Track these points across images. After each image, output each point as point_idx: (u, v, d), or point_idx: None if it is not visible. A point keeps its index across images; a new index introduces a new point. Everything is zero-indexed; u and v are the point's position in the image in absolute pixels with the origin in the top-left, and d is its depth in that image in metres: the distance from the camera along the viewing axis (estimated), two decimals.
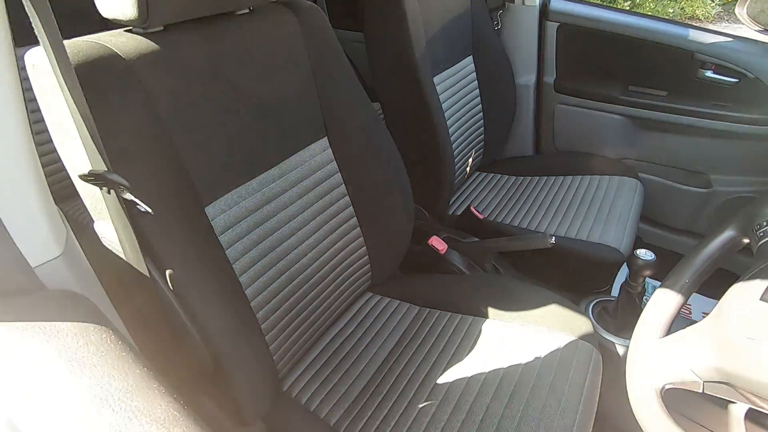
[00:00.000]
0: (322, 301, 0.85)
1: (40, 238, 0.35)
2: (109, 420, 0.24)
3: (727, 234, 0.54)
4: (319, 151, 0.82)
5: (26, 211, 0.34)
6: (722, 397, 0.43)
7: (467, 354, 0.81)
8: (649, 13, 4.84)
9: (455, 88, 1.24)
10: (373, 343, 0.86)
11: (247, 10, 0.71)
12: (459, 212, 1.23)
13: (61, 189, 1.11)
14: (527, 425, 0.67)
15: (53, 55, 0.41)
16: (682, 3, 5.12)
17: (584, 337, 0.78)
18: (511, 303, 0.87)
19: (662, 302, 0.53)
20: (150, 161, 0.56)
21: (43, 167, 1.09)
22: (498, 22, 1.37)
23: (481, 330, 0.85)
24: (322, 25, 0.80)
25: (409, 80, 1.07)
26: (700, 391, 0.43)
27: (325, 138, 0.83)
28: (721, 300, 0.45)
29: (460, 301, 0.90)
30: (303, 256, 0.80)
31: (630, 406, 0.47)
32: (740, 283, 0.44)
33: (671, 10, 5.07)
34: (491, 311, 0.87)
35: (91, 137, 0.44)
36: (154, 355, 0.66)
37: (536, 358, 0.77)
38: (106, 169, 0.46)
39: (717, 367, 0.41)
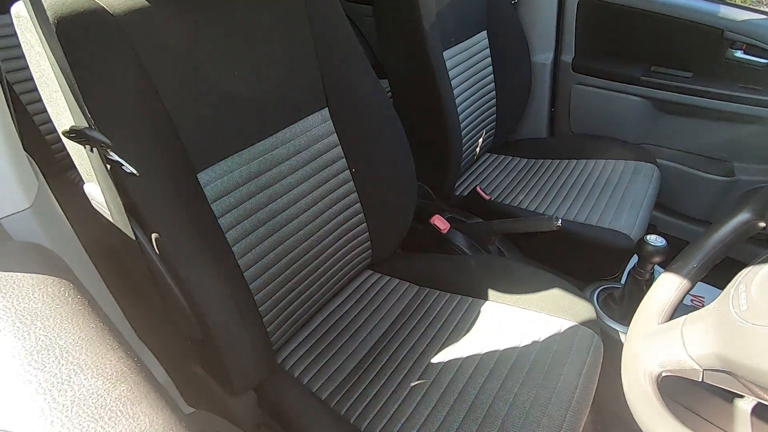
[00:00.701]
0: (320, 276, 0.84)
1: (7, 190, 0.34)
2: (53, 371, 0.23)
3: (742, 216, 0.50)
4: (320, 122, 0.80)
5: None
6: (722, 386, 0.40)
7: (464, 335, 0.79)
8: None
9: (467, 64, 1.19)
10: (369, 321, 0.85)
11: None
12: (466, 193, 1.20)
13: (63, 158, 1.12)
14: (520, 408, 0.65)
15: (31, 8, 0.39)
16: None
17: (586, 323, 0.76)
18: (512, 285, 0.84)
19: (666, 287, 0.50)
20: (138, 122, 0.54)
21: (46, 134, 1.09)
22: None
23: (479, 311, 0.83)
24: None
25: (417, 53, 1.03)
26: (699, 379, 0.41)
27: (326, 109, 0.80)
28: (728, 285, 0.42)
29: (460, 281, 0.88)
30: (300, 229, 0.78)
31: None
32: (750, 267, 0.41)
33: None
34: (491, 293, 0.85)
35: (72, 93, 0.42)
36: (144, 323, 0.66)
37: (534, 341, 0.74)
38: (87, 126, 0.44)
39: (718, 354, 0.38)
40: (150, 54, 0.56)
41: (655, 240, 0.79)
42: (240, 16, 0.66)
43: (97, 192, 0.53)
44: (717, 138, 1.22)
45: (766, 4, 4.70)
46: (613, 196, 1.10)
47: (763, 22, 1.09)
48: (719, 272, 0.54)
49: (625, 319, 0.87)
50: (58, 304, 0.27)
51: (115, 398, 0.23)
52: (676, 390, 0.70)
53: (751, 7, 1.12)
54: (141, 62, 0.55)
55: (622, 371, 0.46)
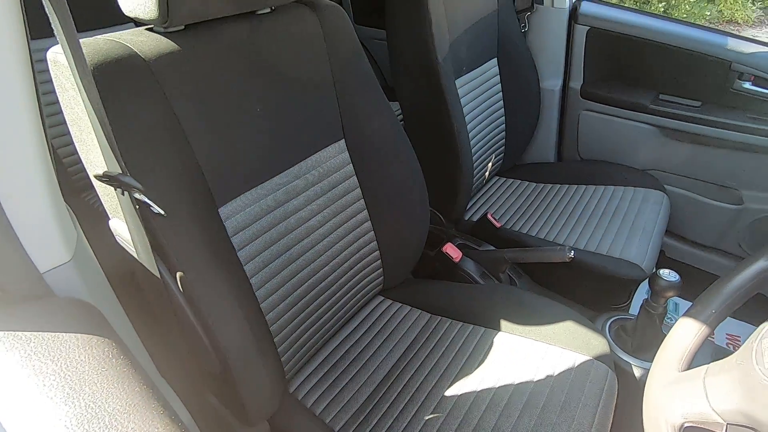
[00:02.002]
0: (333, 304, 0.85)
1: (49, 243, 0.35)
2: None
3: (762, 264, 0.50)
4: (336, 154, 0.81)
5: (36, 214, 0.34)
6: None
7: (477, 366, 0.79)
8: (685, 15, 4.68)
9: (478, 91, 1.21)
10: (382, 349, 0.85)
11: (269, 10, 0.70)
12: (476, 218, 1.21)
13: (80, 180, 1.13)
14: None
15: (70, 54, 0.40)
16: (720, 5, 4.92)
17: (600, 358, 0.76)
18: (525, 317, 0.84)
19: (686, 332, 0.50)
20: (165, 161, 0.56)
21: (64, 157, 1.11)
22: (525, 25, 1.33)
23: (492, 342, 0.83)
24: (343, 25, 0.78)
25: (430, 83, 1.04)
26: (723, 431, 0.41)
27: (343, 140, 0.82)
28: (750, 336, 0.43)
29: (472, 310, 0.88)
30: (315, 259, 0.79)
31: None
32: None
33: (708, 13, 4.88)
34: (504, 324, 0.85)
35: (107, 139, 0.44)
36: (161, 355, 0.66)
37: (548, 376, 0.74)
38: (120, 172, 0.45)
39: (743, 410, 0.38)
40: (179, 96, 0.57)
41: (668, 275, 0.80)
42: (264, 55, 0.68)
43: (122, 229, 0.54)
44: (725, 166, 1.23)
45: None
46: (623, 224, 1.11)
47: None
48: (751, 309, 0.54)
49: (638, 351, 0.87)
50: (104, 367, 0.28)
51: None
52: None
53: (758, 39, 1.14)
54: (170, 104, 0.56)
55: (644, 420, 0.46)
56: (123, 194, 0.48)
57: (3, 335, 0.28)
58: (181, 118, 0.58)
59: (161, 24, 0.55)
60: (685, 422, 0.43)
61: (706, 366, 0.45)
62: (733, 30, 4.79)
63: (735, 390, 0.39)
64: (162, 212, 0.50)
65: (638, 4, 4.53)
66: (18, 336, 0.28)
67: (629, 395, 0.83)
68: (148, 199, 0.49)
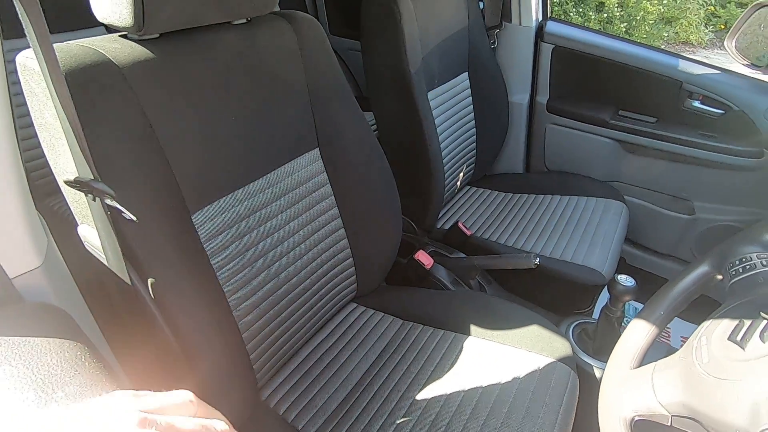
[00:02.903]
0: (306, 311, 0.85)
1: (20, 248, 0.35)
2: None
3: (702, 269, 0.55)
4: (310, 162, 0.82)
5: (7, 219, 0.34)
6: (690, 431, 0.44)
7: (447, 370, 0.81)
8: (645, 36, 4.94)
9: (449, 103, 1.25)
10: (354, 355, 0.86)
11: (245, 21, 0.71)
12: (447, 226, 1.24)
13: (45, 184, 1.10)
14: None
15: (43, 59, 0.41)
16: (677, 28, 5.23)
17: (563, 360, 0.79)
18: (493, 321, 0.87)
19: (637, 333, 0.54)
20: (137, 167, 0.56)
21: (27, 162, 1.08)
22: (494, 41, 1.39)
23: (462, 347, 0.85)
24: (319, 37, 0.80)
25: (403, 95, 1.07)
26: (668, 424, 0.44)
27: (317, 149, 0.83)
28: (691, 335, 0.46)
29: (442, 316, 0.91)
30: (288, 266, 0.80)
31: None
32: (710, 320, 0.45)
33: (666, 34, 5.18)
34: (473, 329, 0.88)
35: (79, 145, 0.44)
36: (129, 361, 0.65)
37: (514, 378, 0.77)
38: (92, 177, 0.45)
39: (685, 403, 0.42)
40: (152, 103, 0.58)
41: (625, 280, 0.85)
42: (239, 65, 0.69)
43: (92, 235, 0.54)
44: (679, 179, 1.31)
45: (720, 47, 5.06)
46: (585, 232, 1.17)
47: (717, 76, 1.19)
48: (689, 305, 0.59)
49: (599, 353, 0.92)
50: (77, 371, 0.28)
51: None
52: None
53: (706, 62, 1.23)
54: (144, 111, 0.56)
55: (599, 415, 0.49)
56: (94, 200, 0.48)
57: None
58: (154, 125, 0.58)
59: (136, 32, 0.55)
60: (636, 416, 0.46)
61: (654, 363, 0.48)
62: (687, 51, 5.09)
63: (678, 384, 0.43)
64: (134, 218, 0.51)
65: (602, 24, 4.76)
66: None
67: (591, 395, 0.87)
68: (120, 205, 0.49)
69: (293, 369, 0.84)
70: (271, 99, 0.74)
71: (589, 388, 0.89)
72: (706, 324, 0.45)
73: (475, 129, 1.35)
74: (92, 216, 0.49)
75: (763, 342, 0.38)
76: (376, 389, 0.79)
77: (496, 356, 0.82)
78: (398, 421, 0.74)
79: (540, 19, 1.37)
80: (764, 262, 0.47)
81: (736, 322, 0.42)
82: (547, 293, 1.09)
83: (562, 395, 0.75)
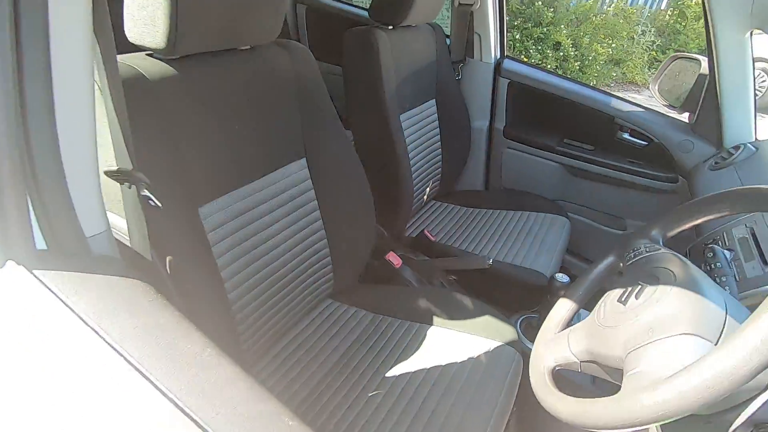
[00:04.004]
0: (288, 302, 0.96)
1: (92, 213, 0.45)
2: (165, 341, 0.35)
3: (609, 260, 0.71)
4: (297, 170, 0.95)
5: (86, 189, 0.44)
6: (593, 374, 0.58)
7: (412, 354, 0.94)
8: (596, 74, 5.42)
9: (418, 125, 1.41)
10: (332, 342, 0.97)
11: (248, 47, 0.84)
12: (415, 234, 1.38)
13: None
14: (456, 414, 0.80)
15: (104, 69, 0.52)
16: (624, 69, 5.76)
17: (509, 343, 0.94)
18: (451, 313, 1.01)
19: (561, 307, 0.69)
20: (158, 164, 0.66)
21: None
22: (459, 74, 1.58)
23: (425, 335, 0.98)
24: (309, 63, 0.94)
25: (378, 115, 1.22)
26: (579, 370, 0.59)
27: (304, 159, 0.96)
28: (597, 303, 0.61)
29: (408, 310, 1.04)
30: (274, 260, 0.91)
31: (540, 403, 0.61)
32: (609, 291, 0.60)
33: (615, 74, 5.69)
34: (435, 319, 1.01)
35: (124, 141, 0.55)
36: None
37: (469, 358, 0.91)
38: (131, 168, 0.56)
39: (588, 349, 0.56)
40: (173, 110, 0.69)
41: (561, 278, 1.01)
42: (242, 83, 0.81)
43: (116, 220, 0.64)
44: (613, 199, 1.52)
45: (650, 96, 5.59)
46: (533, 242, 1.34)
47: (642, 113, 1.42)
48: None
49: None
50: (151, 299, 0.39)
51: (207, 355, 0.35)
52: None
53: (632, 100, 1.46)
54: (165, 117, 0.68)
55: (530, 368, 0.63)
56: (129, 188, 0.58)
57: (72, 280, 0.38)
58: (173, 129, 0.69)
59: (167, 54, 0.67)
60: (555, 365, 0.60)
61: (570, 327, 0.63)
62: (633, 89, 5.61)
63: (584, 337, 0.58)
64: (159, 205, 0.61)
65: (558, 61, 5.18)
66: (86, 279, 0.39)
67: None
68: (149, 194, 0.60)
69: (278, 352, 0.94)
70: (268, 113, 0.86)
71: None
72: (606, 294, 0.60)
73: (440, 149, 1.52)
74: (123, 202, 0.60)
75: (636, 299, 0.54)
76: (350, 369, 0.90)
77: (454, 341, 0.95)
78: (370, 394, 0.85)
79: (498, 56, 1.57)
80: (647, 250, 0.63)
81: (623, 289, 0.57)
82: (500, 292, 1.24)
83: (507, 371, 0.89)
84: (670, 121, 1.40)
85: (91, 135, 0.44)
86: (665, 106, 1.38)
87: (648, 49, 5.96)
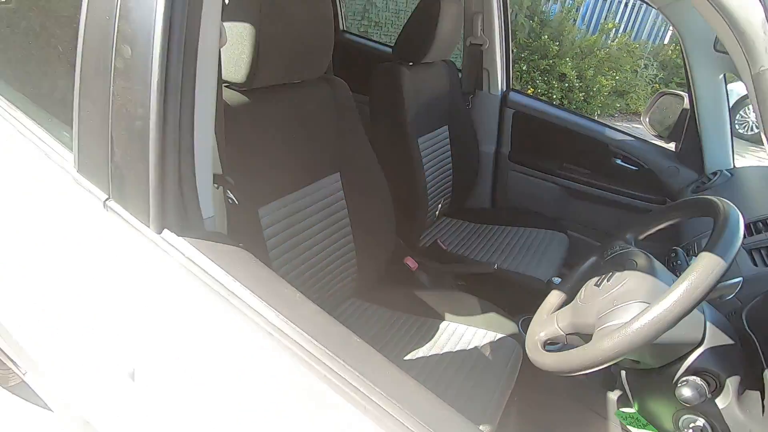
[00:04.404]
0: (317, 299, 1.12)
1: (207, 202, 0.62)
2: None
3: (593, 259, 0.87)
4: (332, 182, 1.12)
5: (204, 185, 0.61)
6: (575, 344, 0.73)
7: (426, 344, 1.09)
8: (600, 105, 5.64)
9: (433, 148, 1.59)
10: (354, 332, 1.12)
11: (299, 81, 1.03)
12: (428, 245, 1.54)
13: None
14: (464, 394, 0.94)
15: (215, 97, 0.69)
16: (628, 100, 5.98)
17: (511, 336, 1.08)
18: (460, 311, 1.16)
19: (552, 297, 0.84)
20: (233, 171, 0.84)
21: None
22: (469, 104, 1.77)
23: (437, 329, 1.13)
24: (346, 94, 1.13)
25: (400, 138, 1.41)
26: (565, 342, 0.74)
27: (338, 173, 1.13)
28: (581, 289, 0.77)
29: (423, 308, 1.19)
30: (309, 258, 1.07)
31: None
32: (590, 280, 0.76)
33: (618, 105, 5.91)
34: (446, 315, 1.16)
35: (219, 151, 0.72)
36: None
37: (475, 347, 1.06)
38: (221, 173, 0.74)
39: (571, 323, 0.71)
40: (245, 129, 0.87)
41: (556, 280, 1.15)
42: (294, 109, 1.00)
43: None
44: (608, 218, 1.67)
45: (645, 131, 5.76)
46: (535, 254, 1.49)
47: (633, 141, 1.59)
48: None
49: None
50: (252, 260, 0.55)
51: (298, 297, 0.51)
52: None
53: (624, 130, 1.63)
54: (240, 134, 0.86)
55: (526, 341, 0.77)
56: (217, 188, 0.76)
57: (203, 244, 0.55)
58: (245, 145, 0.87)
59: (245, 87, 0.86)
60: (546, 338, 0.75)
61: (560, 310, 0.78)
62: (636, 119, 5.81)
63: (569, 314, 0.73)
64: (236, 201, 0.79)
65: (563, 92, 5.40)
66: (211, 244, 0.56)
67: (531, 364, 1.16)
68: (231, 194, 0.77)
69: None
70: (312, 135, 1.05)
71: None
72: (587, 282, 0.76)
73: (452, 170, 1.69)
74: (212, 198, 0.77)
75: (608, 281, 0.69)
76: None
77: (463, 334, 1.10)
78: None
79: (504, 89, 1.77)
80: (621, 248, 0.78)
81: (599, 276, 0.72)
82: (503, 296, 1.38)
83: (507, 361, 1.03)
84: (658, 149, 1.57)
85: (211, 145, 0.62)
86: (654, 136, 1.56)
87: (651, 82, 6.19)
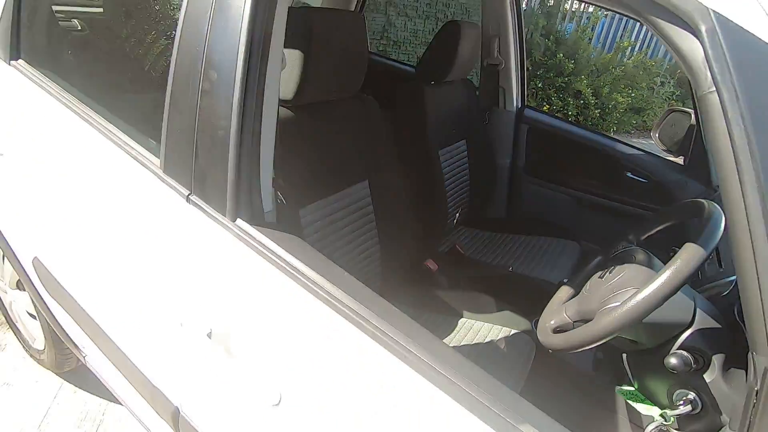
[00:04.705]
0: None
1: (267, 196, 0.74)
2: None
3: (598, 258, 0.96)
4: (361, 189, 1.24)
5: (266, 183, 0.74)
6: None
7: (446, 337, 1.18)
8: (616, 122, 5.69)
9: (452, 160, 1.71)
10: None
11: (334, 99, 1.16)
12: (446, 251, 1.64)
13: None
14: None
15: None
16: (644, 117, 6.02)
17: (524, 332, 1.17)
18: (478, 309, 1.26)
19: (562, 291, 0.94)
20: (279, 176, 0.97)
21: None
22: (486, 119, 1.89)
23: (456, 325, 1.23)
24: (375, 110, 1.26)
25: (422, 151, 1.53)
26: (572, 327, 0.83)
27: (366, 181, 1.26)
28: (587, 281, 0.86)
29: (443, 306, 1.29)
30: (341, 257, 1.18)
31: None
32: (594, 274, 0.85)
33: (635, 122, 5.95)
34: (465, 313, 1.26)
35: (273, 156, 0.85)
36: None
37: (491, 341, 1.15)
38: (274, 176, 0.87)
39: (577, 311, 0.80)
40: (293, 140, 1.00)
41: (566, 281, 1.25)
42: (333, 123, 1.13)
43: None
44: (619, 228, 1.74)
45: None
46: (548, 261, 1.58)
47: (643, 155, 1.68)
48: None
49: None
50: (306, 246, 0.67)
51: (346, 275, 0.63)
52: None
53: (635, 145, 1.72)
54: (289, 144, 0.99)
55: (538, 328, 0.87)
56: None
57: (268, 232, 0.67)
58: (290, 153, 1.00)
59: (291, 103, 0.99)
60: (556, 326, 0.84)
61: (568, 302, 0.88)
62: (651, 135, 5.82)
63: (575, 303, 0.82)
64: (284, 201, 0.91)
65: (579, 109, 5.48)
66: (273, 232, 0.68)
67: (544, 357, 1.24)
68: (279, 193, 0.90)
69: None
70: (346, 146, 1.17)
71: (543, 352, 1.26)
72: (592, 276, 0.85)
73: (469, 181, 1.80)
74: None
75: (610, 274, 0.78)
76: None
77: (480, 330, 1.19)
78: None
79: (519, 106, 1.88)
80: (623, 247, 0.87)
81: (602, 270, 0.82)
82: (517, 298, 1.47)
83: (523, 351, 1.12)
84: (667, 162, 1.65)
85: (272, 153, 0.75)
86: (664, 150, 1.64)
87: (668, 99, 6.22)
